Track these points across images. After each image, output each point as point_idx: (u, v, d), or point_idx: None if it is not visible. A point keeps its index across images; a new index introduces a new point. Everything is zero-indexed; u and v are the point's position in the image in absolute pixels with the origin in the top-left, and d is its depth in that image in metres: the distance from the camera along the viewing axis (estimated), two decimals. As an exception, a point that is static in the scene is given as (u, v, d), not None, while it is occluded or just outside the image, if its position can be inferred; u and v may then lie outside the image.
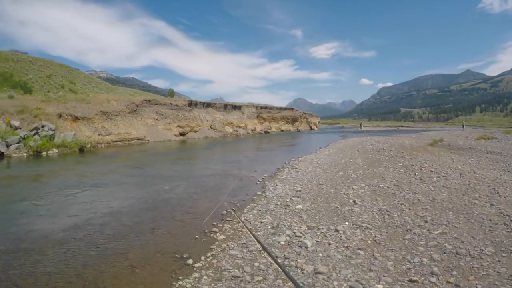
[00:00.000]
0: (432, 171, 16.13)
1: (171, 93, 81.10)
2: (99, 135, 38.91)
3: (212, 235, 8.26)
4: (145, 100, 53.70)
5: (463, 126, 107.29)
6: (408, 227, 8.25)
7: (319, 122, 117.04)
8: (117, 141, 40.30)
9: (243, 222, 8.53)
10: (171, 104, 57.49)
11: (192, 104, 63.77)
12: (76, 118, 37.89)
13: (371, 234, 7.87)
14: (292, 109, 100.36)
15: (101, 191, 13.76)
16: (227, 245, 7.47)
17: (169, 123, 53.92)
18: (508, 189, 12.02)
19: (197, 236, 8.27)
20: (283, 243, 7.40)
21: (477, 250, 6.79)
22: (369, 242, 7.41)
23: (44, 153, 27.69)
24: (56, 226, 9.15)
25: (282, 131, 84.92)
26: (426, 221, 8.60)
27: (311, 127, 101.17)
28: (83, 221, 9.51)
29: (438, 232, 7.85)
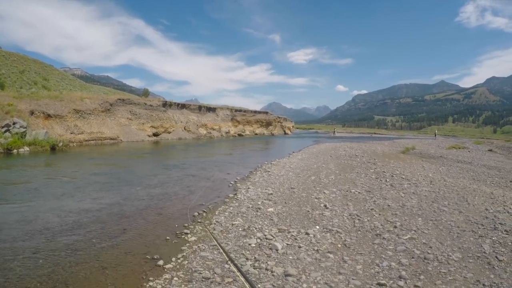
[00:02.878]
0: (403, 178, 16.37)
1: (145, 93, 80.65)
2: (71, 133, 38.47)
3: (183, 236, 8.26)
4: (119, 99, 53.28)
5: (435, 135, 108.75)
6: (378, 232, 8.38)
7: (293, 126, 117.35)
8: (89, 140, 39.94)
9: (209, 230, 8.50)
10: (145, 104, 57.17)
11: (166, 104, 63.50)
12: (48, 116, 37.39)
13: (341, 238, 7.96)
14: (266, 113, 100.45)
15: (71, 192, 13.56)
16: (198, 246, 7.49)
17: (143, 123, 53.61)
18: (476, 197, 12.30)
19: (168, 238, 8.26)
20: (253, 245, 7.44)
21: (445, 255, 6.94)
22: (339, 245, 7.50)
23: (15, 151, 27.23)
24: (26, 227, 9.02)
25: (256, 134, 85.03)
26: (395, 227, 8.74)
27: (285, 131, 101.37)
28: (53, 222, 9.39)
29: (407, 237, 8.00)
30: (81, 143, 37.78)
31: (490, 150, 40.75)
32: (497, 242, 7.70)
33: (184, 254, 7.14)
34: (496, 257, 6.86)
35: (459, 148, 41.01)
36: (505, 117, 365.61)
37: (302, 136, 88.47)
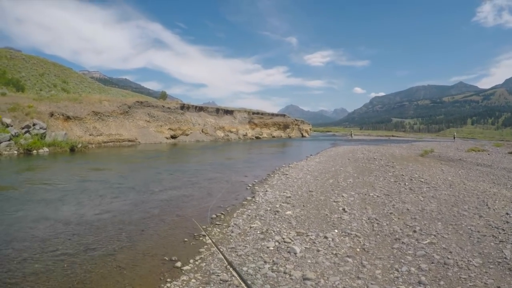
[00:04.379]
0: (422, 182, 16.21)
1: (163, 96, 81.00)
2: (90, 135, 38.81)
3: (201, 238, 8.26)
4: (137, 101, 53.59)
5: (454, 137, 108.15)
6: (397, 236, 8.29)
7: (310, 129, 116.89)
8: (108, 142, 40.23)
9: (208, 236, 8.42)
10: (163, 106, 57.37)
11: (184, 107, 63.68)
12: (67, 118, 37.76)
13: (360, 242, 7.90)
14: (284, 115, 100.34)
15: (90, 192, 13.65)
16: (216, 249, 7.44)
17: (161, 126, 53.80)
18: (497, 201, 12.12)
19: (186, 239, 8.27)
20: (272, 248, 7.40)
21: (465, 261, 6.83)
22: (358, 250, 7.44)
23: (35, 151, 27.54)
24: (45, 226, 9.09)
25: (273, 137, 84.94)
26: (415, 231, 8.64)
27: (302, 134, 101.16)
28: (72, 222, 9.45)
29: (426, 242, 7.89)
30: (100, 145, 38.08)
31: (511, 153, 40.27)
32: None
33: (202, 256, 7.14)
34: None
35: (478, 150, 40.60)
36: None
37: (319, 139, 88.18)
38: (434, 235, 8.36)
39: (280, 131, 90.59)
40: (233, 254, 7.08)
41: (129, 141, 43.79)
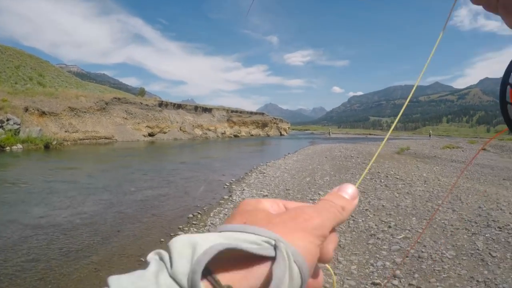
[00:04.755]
0: (397, 178, 16.40)
1: (142, 92, 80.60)
2: (65, 132, 38.51)
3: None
4: (115, 98, 53.29)
5: (429, 135, 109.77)
6: (372, 232, 8.41)
7: (289, 127, 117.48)
8: (84, 139, 39.96)
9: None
10: (141, 103, 57.16)
11: (162, 104, 63.53)
12: (43, 113, 37.42)
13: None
14: (262, 114, 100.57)
15: (66, 192, 13.53)
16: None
17: (138, 123, 53.61)
18: (470, 196, 12.41)
19: (162, 240, 8.24)
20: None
21: (439, 253, 7.00)
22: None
23: (8, 148, 27.19)
24: (18, 227, 8.99)
25: (252, 135, 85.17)
26: (390, 226, 8.79)
27: (281, 132, 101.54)
28: (47, 223, 9.36)
29: (401, 236, 8.05)
30: (76, 142, 37.80)
31: (484, 149, 41.01)
32: (490, 239, 7.88)
33: (179, 255, 7.12)
34: (490, 253, 6.98)
35: (453, 147, 41.31)
36: (498, 117, 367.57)
37: (297, 137, 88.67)
38: (409, 230, 8.56)
39: (259, 129, 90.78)
40: (209, 254, 7.09)
41: (105, 138, 43.57)
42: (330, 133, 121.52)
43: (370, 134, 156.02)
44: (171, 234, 8.53)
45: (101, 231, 8.89)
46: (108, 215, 10.40)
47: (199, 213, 10.69)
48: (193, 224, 9.50)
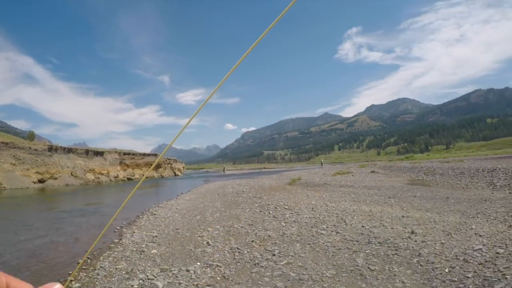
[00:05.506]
0: (286, 209, 17.30)
1: (31, 136, 77.59)
2: None
3: (67, 283, 8.44)
4: (3, 142, 51.39)
5: (321, 164, 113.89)
6: (257, 261, 9.08)
7: (183, 167, 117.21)
8: (-32, 187, 38.10)
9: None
10: (30, 148, 55.39)
11: (52, 148, 61.71)
12: None
13: (221, 271, 8.56)
14: (155, 155, 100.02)
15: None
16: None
17: (28, 169, 51.82)
18: (355, 217, 13.63)
19: (51, 286, 8.39)
20: (136, 286, 7.83)
21: (319, 274, 7.77)
22: (218, 278, 8.09)
23: None
24: None
25: (146, 177, 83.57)
26: (274, 254, 9.50)
27: (175, 172, 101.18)
28: None
29: (283, 262, 8.76)
30: (-42, 191, 35.95)
31: (373, 172, 43.49)
32: (370, 254, 8.74)
33: (67, 300, 7.37)
34: (369, 267, 7.81)
35: (344, 173, 43.42)
36: (386, 140, 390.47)
37: (192, 177, 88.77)
38: (292, 256, 9.26)
39: (153, 171, 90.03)
40: (97, 296, 7.40)
41: (-7, 186, 41.73)
42: (225, 170, 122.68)
43: (264, 168, 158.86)
44: (61, 281, 8.73)
45: None
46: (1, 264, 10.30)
47: (88, 257, 10.79)
48: (83, 269, 9.63)
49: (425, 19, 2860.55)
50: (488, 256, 7.63)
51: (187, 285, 7.70)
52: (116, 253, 11.13)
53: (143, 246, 11.69)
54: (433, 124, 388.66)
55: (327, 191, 24.76)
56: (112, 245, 12.44)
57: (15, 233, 15.55)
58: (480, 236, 9.43)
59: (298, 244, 10.33)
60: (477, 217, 12.23)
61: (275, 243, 10.77)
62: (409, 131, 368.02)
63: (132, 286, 7.89)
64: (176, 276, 8.33)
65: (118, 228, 15.99)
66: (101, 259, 10.52)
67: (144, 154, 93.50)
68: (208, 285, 7.67)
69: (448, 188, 22.62)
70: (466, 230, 10.29)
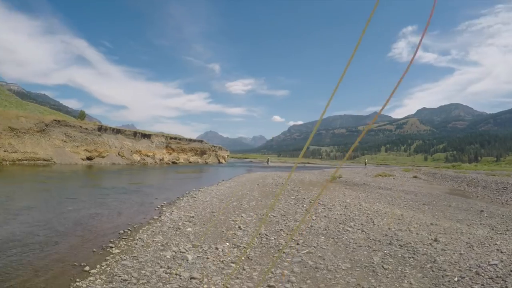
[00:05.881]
0: (320, 204, 17.63)
1: (82, 115, 79.80)
2: (4, 151, 38.47)
3: (108, 249, 9.38)
4: (55, 120, 53.07)
5: (365, 164, 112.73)
6: (281, 247, 9.68)
7: (228, 156, 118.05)
8: (22, 159, 39.90)
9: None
10: (81, 127, 57.12)
11: (101, 129, 63.48)
12: (-19, 132, 37.29)
13: (247, 252, 9.22)
14: (201, 141, 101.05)
15: (10, 209, 14.60)
16: (120, 257, 8.64)
17: (77, 146, 53.50)
18: (385, 219, 13.91)
19: (94, 250, 9.43)
20: (168, 257, 8.63)
21: (335, 265, 8.30)
22: (243, 258, 8.78)
23: None
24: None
25: (190, 162, 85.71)
26: (298, 243, 10.05)
27: (219, 160, 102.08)
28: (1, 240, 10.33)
29: (305, 251, 9.32)
30: (14, 162, 37.77)
31: (415, 177, 43.23)
32: (388, 254, 9.13)
33: (108, 262, 8.29)
34: (383, 266, 8.25)
35: (385, 175, 43.02)
36: (435, 145, 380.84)
37: (235, 165, 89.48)
38: (314, 246, 9.79)
39: (197, 156, 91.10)
40: (134, 261, 8.23)
41: (44, 160, 43.49)
42: (269, 162, 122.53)
43: (308, 163, 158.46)
44: (103, 246, 9.70)
45: (41, 241, 10.00)
46: (47, 229, 11.48)
47: (129, 230, 11.80)
48: (123, 238, 10.64)
49: (484, 22, 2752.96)
50: (501, 272, 7.79)
51: (213, 261, 8.41)
52: (154, 228, 11.95)
53: (179, 224, 12.49)
54: (485, 133, 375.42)
55: (364, 191, 24.93)
56: (152, 221, 13.32)
57: (61, 204, 16.74)
58: (501, 252, 9.48)
59: (323, 237, 10.80)
60: (506, 234, 12.19)
61: (302, 234, 11.26)
62: (460, 139, 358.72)
63: (165, 256, 8.68)
64: (205, 252, 9.06)
65: (158, 206, 17.00)
66: (140, 232, 11.38)
67: (190, 140, 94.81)
68: (232, 262, 8.38)
69: (486, 202, 22.34)
70: (489, 245, 10.37)
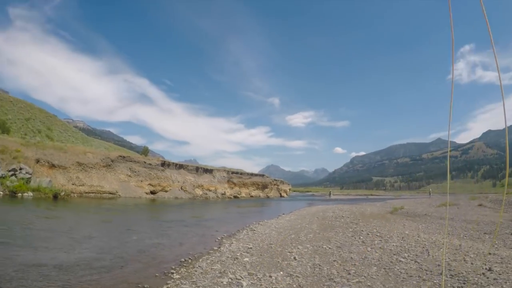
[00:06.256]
0: (377, 236, 17.63)
1: (145, 151, 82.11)
2: (73, 184, 40.36)
3: (169, 275, 10.10)
4: (120, 156, 55.20)
5: (429, 194, 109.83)
6: (332, 277, 9.98)
7: (289, 189, 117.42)
8: (89, 192, 41.61)
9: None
10: (145, 162, 59.08)
11: (165, 164, 65.26)
12: (52, 166, 39.50)
13: (298, 281, 9.61)
14: (262, 175, 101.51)
15: (79, 236, 15.60)
16: (180, 281, 9.31)
17: (141, 181, 55.18)
18: (440, 249, 13.69)
19: (157, 274, 10.20)
20: (225, 283, 9.17)
21: (380, 293, 8.54)
22: (294, 286, 9.17)
23: (20, 194, 29.24)
24: (42, 259, 10.74)
25: (252, 196, 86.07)
26: (349, 273, 10.29)
27: (281, 194, 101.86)
28: (67, 258, 11.25)
29: (355, 281, 9.56)
30: (81, 195, 39.54)
31: (480, 205, 41.91)
32: (437, 284, 9.15)
33: (169, 286, 9.00)
34: None
35: (450, 205, 41.85)
36: (504, 170, 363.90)
37: (297, 199, 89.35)
38: (365, 276, 9.99)
39: (259, 190, 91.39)
40: (193, 285, 8.84)
41: (109, 193, 45.10)
42: (331, 195, 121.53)
43: (371, 195, 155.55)
44: (165, 272, 10.45)
45: (109, 265, 10.91)
46: (114, 255, 12.44)
47: (190, 258, 12.50)
48: (184, 265, 11.34)
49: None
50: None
51: (266, 287, 8.92)
52: (213, 257, 12.56)
53: (237, 254, 13.02)
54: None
55: (425, 222, 24.45)
56: (211, 252, 13.96)
57: (125, 233, 17.82)
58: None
59: (375, 268, 10.95)
60: None
61: (354, 264, 11.46)
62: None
63: (222, 282, 9.22)
64: (260, 279, 9.52)
65: (218, 238, 17.64)
66: (200, 261, 12.03)
67: (252, 174, 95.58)
68: (283, 289, 8.86)
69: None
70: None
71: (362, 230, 19.69)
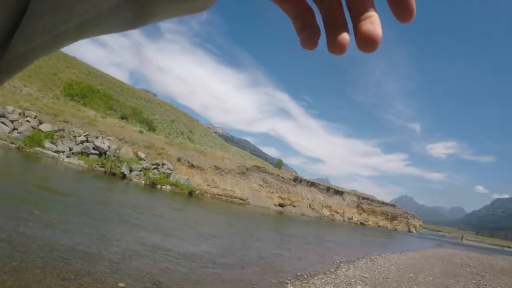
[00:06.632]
0: (498, 288, 16.89)
1: (279, 164, 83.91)
2: (208, 185, 42.58)
3: (284, 284, 10.52)
4: (255, 166, 56.99)
5: None
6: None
7: (420, 225, 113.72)
8: (221, 195, 43.50)
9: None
10: (278, 175, 60.38)
11: (297, 179, 66.11)
12: (192, 166, 42.04)
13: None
14: (394, 206, 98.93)
15: (205, 233, 16.63)
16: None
17: (272, 192, 56.50)
18: None
19: (273, 281, 10.64)
20: (334, 304, 9.42)
21: None
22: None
23: (159, 186, 31.76)
24: (169, 245, 11.66)
25: (379, 226, 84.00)
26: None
27: (409, 228, 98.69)
28: (192, 249, 12.06)
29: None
30: (214, 196, 41.50)
31: None
32: None
33: (281, 295, 9.36)
34: None
35: None
36: None
37: (426, 237, 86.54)
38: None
39: (387, 221, 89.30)
40: (305, 298, 9.22)
41: (240, 199, 46.71)
42: (463, 239, 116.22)
43: (508, 247, 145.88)
44: (280, 281, 10.86)
45: (229, 263, 11.67)
46: (236, 257, 13.13)
47: (305, 274, 12.79)
48: (299, 279, 11.69)
49: None
50: None
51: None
52: (328, 278, 12.81)
53: (352, 280, 13.12)
54: None
55: None
56: (328, 272, 14.15)
57: (249, 239, 18.72)
58: None
59: None
60: None
61: None
62: None
63: (332, 302, 9.52)
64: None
65: (337, 261, 17.74)
66: (315, 278, 12.33)
67: (383, 203, 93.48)
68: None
69: None
70: None
71: (486, 285, 18.73)
